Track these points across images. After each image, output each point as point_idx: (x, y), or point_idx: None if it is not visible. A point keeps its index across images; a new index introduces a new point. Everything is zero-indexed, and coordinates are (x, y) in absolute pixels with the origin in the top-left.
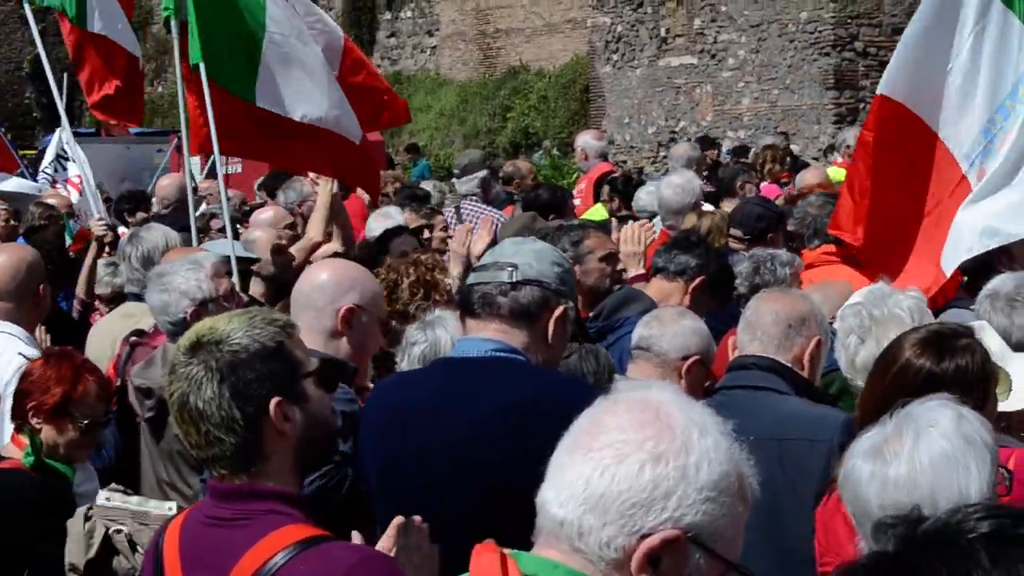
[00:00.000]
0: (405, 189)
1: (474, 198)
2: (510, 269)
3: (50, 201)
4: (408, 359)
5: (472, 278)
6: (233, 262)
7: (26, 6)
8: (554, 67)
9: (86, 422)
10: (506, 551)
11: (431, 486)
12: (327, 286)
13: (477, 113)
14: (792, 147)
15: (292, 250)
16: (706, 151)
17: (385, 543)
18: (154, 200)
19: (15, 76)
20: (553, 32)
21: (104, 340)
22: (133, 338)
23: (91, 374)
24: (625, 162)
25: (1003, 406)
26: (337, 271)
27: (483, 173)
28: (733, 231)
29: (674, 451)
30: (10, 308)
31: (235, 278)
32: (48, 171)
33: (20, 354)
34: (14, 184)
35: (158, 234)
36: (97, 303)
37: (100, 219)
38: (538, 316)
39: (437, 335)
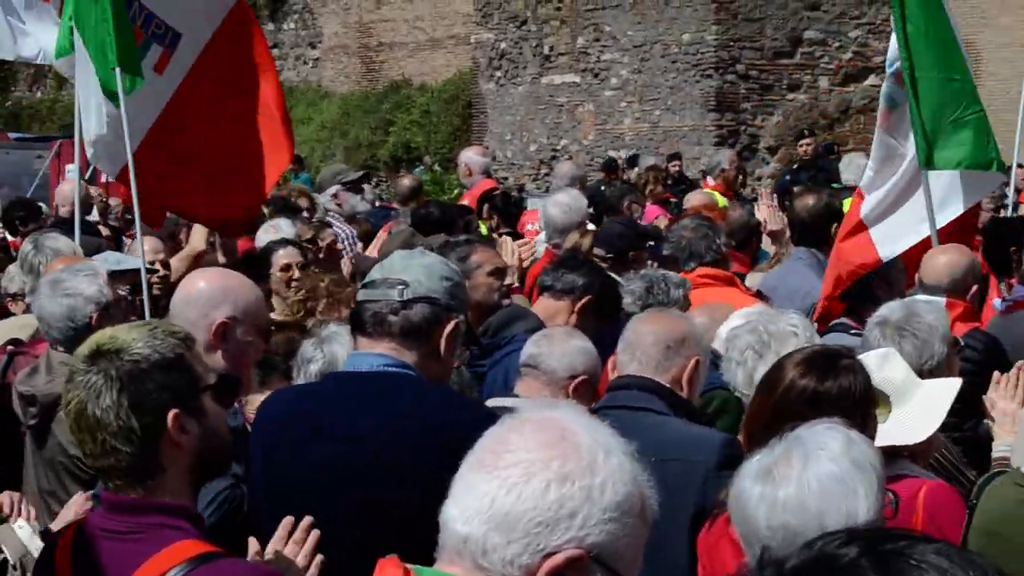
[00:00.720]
0: (279, 200)
1: (331, 214)
2: (400, 287)
3: None
4: (305, 376)
5: (362, 295)
6: (144, 275)
7: None
8: (437, 82)
9: None
10: (409, 567)
11: (317, 500)
12: (200, 299)
13: (359, 126)
14: (683, 169)
15: (173, 260)
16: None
17: (275, 544)
18: (56, 206)
19: None
20: (436, 47)
21: None
22: (10, 347)
23: None
24: (507, 179)
25: (909, 436)
26: (211, 282)
27: (334, 189)
28: (596, 250)
29: (580, 471)
30: None
31: (145, 291)
32: None
33: None
34: None
35: (63, 243)
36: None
37: None
38: (429, 333)
39: (334, 351)
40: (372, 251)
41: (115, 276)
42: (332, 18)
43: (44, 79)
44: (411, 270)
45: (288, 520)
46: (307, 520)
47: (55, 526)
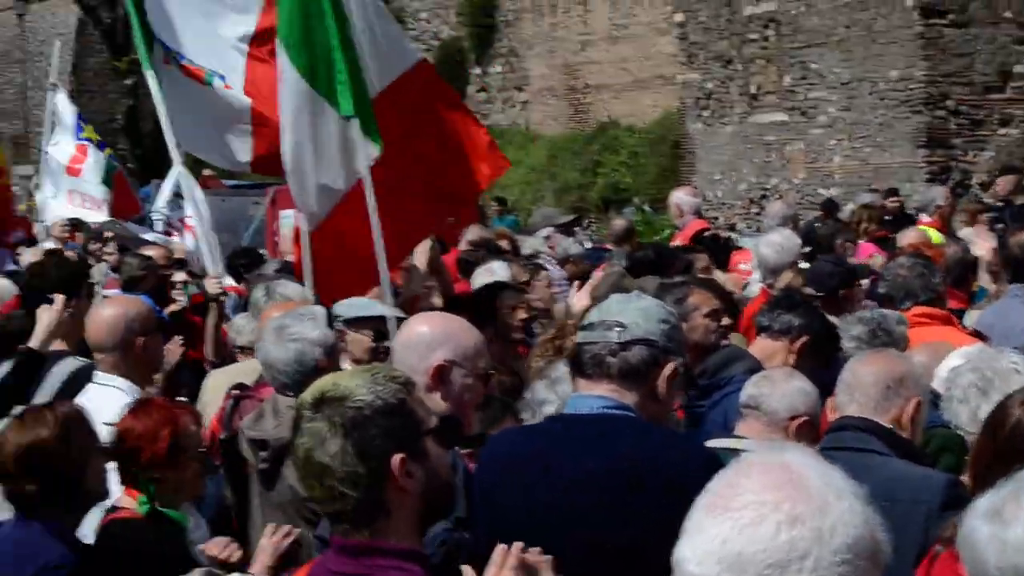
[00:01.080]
0: (485, 243)
1: (542, 255)
2: (618, 329)
3: (148, 252)
4: (538, 417)
5: (580, 337)
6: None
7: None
8: (644, 123)
9: (201, 451)
10: None
11: (541, 541)
12: (420, 343)
13: (567, 168)
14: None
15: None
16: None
17: (491, 571)
18: (281, 252)
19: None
20: (643, 88)
21: (219, 393)
22: (235, 391)
23: (179, 408)
24: (717, 219)
25: None
26: (430, 326)
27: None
28: (806, 289)
29: (810, 513)
30: (113, 361)
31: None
32: (164, 211)
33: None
34: (137, 228)
35: (294, 290)
36: (239, 354)
37: (215, 278)
38: (647, 375)
39: (567, 391)
40: (584, 293)
41: (358, 322)
42: (538, 61)
43: None
44: (628, 313)
45: (502, 547)
46: (517, 545)
47: (256, 570)
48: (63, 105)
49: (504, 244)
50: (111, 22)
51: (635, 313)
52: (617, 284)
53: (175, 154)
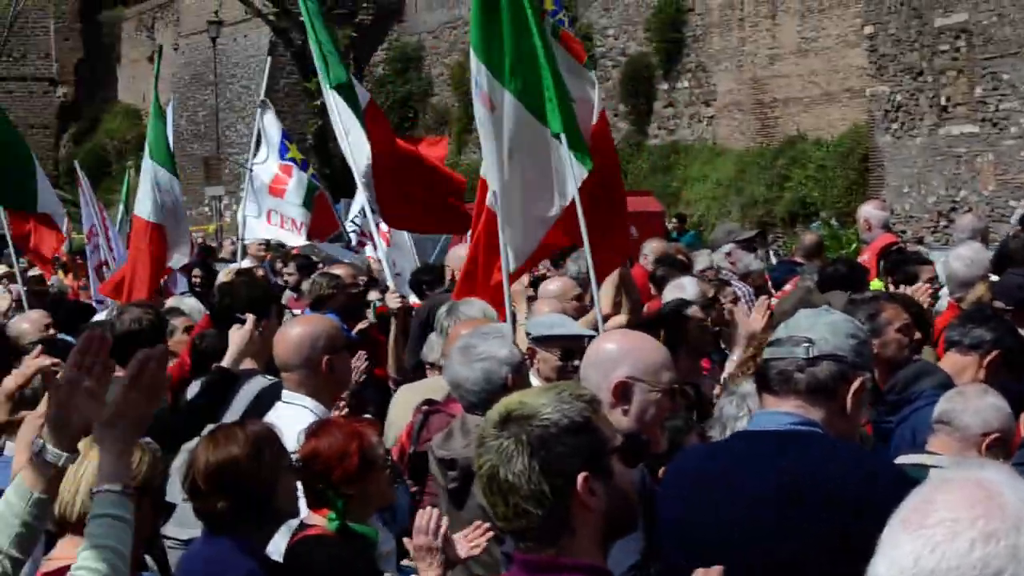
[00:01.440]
0: (667, 259)
1: (723, 271)
2: (806, 344)
3: (336, 271)
4: (728, 433)
5: (768, 353)
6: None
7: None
8: (832, 136)
9: (388, 461)
10: None
11: (725, 559)
12: (602, 360)
13: (754, 183)
14: None
15: (580, 323)
16: None
17: None
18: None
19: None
20: (831, 101)
21: (407, 409)
22: (425, 407)
23: (360, 423)
24: (905, 232)
25: None
26: (613, 343)
27: (728, 247)
28: (995, 302)
29: (1005, 531)
30: (299, 380)
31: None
32: (356, 221)
33: None
34: (327, 246)
35: (475, 309)
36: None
37: (395, 292)
38: (836, 390)
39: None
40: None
41: (548, 340)
42: (726, 76)
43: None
44: (817, 328)
45: (700, 571)
46: (716, 569)
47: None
48: (271, 124)
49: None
50: (301, 44)
51: (823, 328)
52: (804, 299)
53: (357, 171)
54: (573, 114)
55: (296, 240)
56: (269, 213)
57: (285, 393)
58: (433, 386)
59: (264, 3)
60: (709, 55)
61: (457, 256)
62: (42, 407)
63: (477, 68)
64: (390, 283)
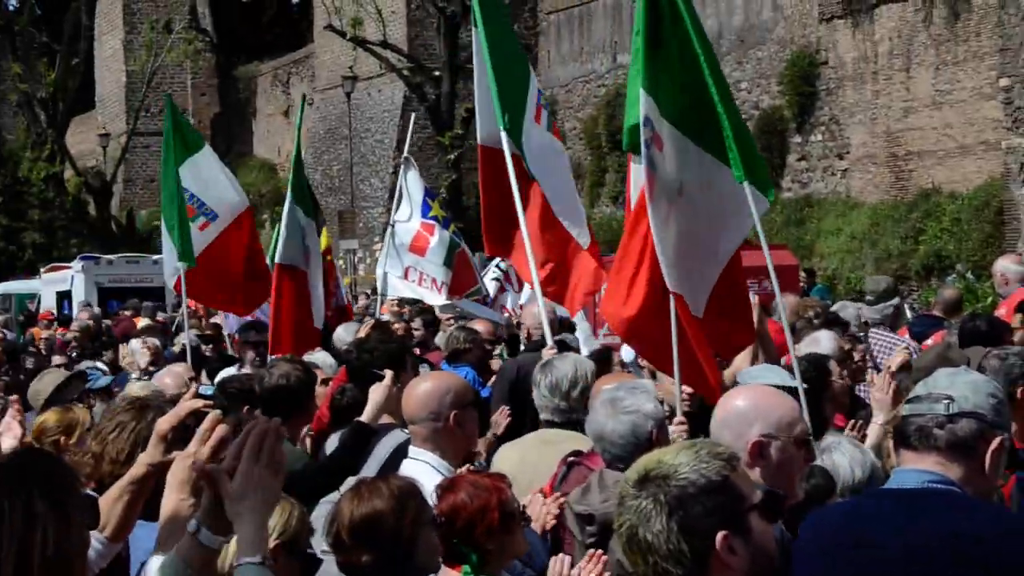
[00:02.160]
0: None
1: (883, 328)
2: (946, 401)
3: (475, 326)
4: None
5: (907, 410)
6: None
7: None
8: (967, 189)
9: (519, 512)
10: None
11: None
12: (734, 418)
13: (888, 236)
14: None
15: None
16: None
17: None
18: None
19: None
20: (966, 154)
21: (517, 465)
22: (572, 458)
23: (493, 477)
24: None
25: None
26: (745, 400)
27: (895, 301)
28: None
29: None
30: (424, 434)
31: None
32: (501, 266)
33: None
34: (466, 303)
35: (569, 364)
36: None
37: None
38: (975, 448)
39: (835, 460)
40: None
41: None
42: (859, 128)
43: None
44: (957, 386)
45: None
46: None
47: None
48: (413, 181)
49: (810, 313)
50: (435, 98)
51: (964, 387)
52: (943, 356)
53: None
54: (751, 144)
55: (436, 299)
56: (408, 270)
57: (412, 449)
58: (546, 438)
59: (399, 59)
60: (842, 108)
61: (531, 314)
62: (192, 447)
63: (647, 103)
64: (548, 337)
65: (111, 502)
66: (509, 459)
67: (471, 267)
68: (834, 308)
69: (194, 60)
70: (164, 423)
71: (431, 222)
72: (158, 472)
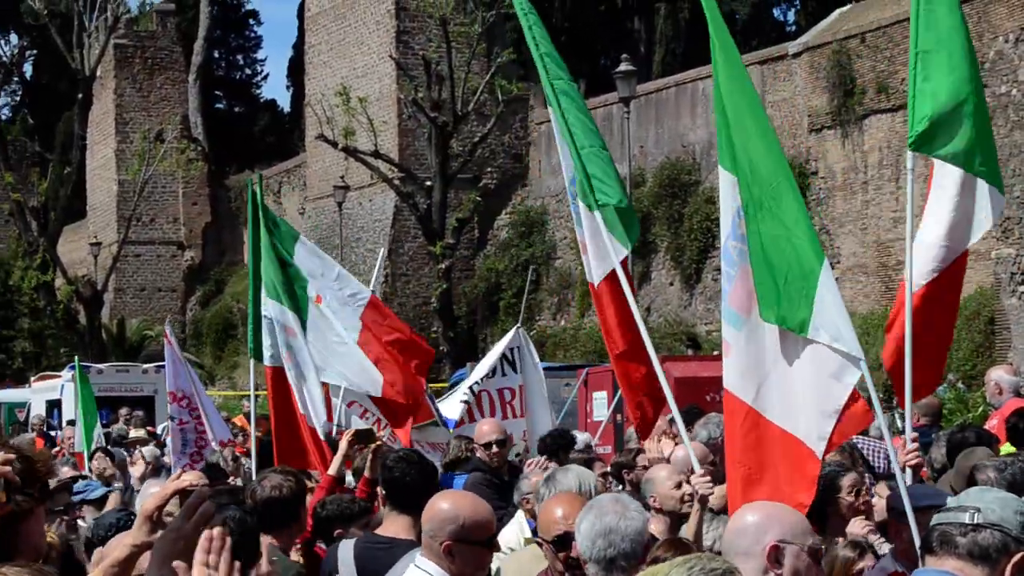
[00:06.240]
0: None
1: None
2: (972, 511)
3: (470, 435)
4: None
5: (935, 519)
6: None
7: None
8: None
9: None
10: None
11: None
12: (749, 528)
13: (879, 345)
14: None
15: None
16: None
17: None
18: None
19: (422, 311)
20: None
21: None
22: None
23: None
24: None
25: None
26: (756, 512)
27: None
28: None
29: None
30: (430, 547)
31: None
32: (474, 388)
33: None
34: (441, 434)
35: (572, 477)
36: None
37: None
38: (996, 560)
39: None
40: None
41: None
42: (849, 238)
43: (567, 308)
44: (985, 500)
45: None
46: None
47: None
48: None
49: None
50: (427, 208)
51: (992, 501)
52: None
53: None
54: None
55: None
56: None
57: (418, 558)
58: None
59: (390, 168)
60: (832, 218)
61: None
62: (176, 523)
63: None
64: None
65: None
66: (508, 571)
67: (426, 404)
68: None
69: (186, 169)
70: (150, 503)
71: None
72: (142, 552)
